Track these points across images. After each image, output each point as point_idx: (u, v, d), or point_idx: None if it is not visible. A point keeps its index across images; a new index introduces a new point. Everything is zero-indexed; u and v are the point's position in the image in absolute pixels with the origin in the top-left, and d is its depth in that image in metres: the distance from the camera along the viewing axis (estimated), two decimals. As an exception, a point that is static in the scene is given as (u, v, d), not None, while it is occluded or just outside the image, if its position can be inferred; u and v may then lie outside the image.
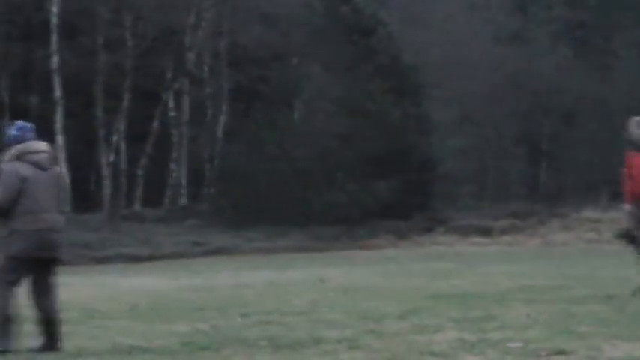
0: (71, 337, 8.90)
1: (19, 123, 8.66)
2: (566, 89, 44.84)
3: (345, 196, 36.75)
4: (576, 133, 45.01)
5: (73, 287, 16.45)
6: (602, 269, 17.56)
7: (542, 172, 47.51)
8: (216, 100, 42.58)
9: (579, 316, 9.50)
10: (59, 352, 8.29)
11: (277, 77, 41.75)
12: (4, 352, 8.10)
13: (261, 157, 37.91)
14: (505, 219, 36.49)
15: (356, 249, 32.89)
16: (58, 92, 37.22)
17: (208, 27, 41.99)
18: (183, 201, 40.78)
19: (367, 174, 36.86)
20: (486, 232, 35.32)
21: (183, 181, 41.02)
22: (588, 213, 35.78)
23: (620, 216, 12.08)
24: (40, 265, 8.37)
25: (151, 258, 30.83)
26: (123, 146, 39.55)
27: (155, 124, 40.14)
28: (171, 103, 41.20)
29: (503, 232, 35.32)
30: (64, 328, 8.61)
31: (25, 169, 8.29)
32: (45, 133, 35.20)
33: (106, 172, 38.79)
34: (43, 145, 8.50)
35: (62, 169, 35.59)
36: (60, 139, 36.80)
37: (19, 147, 8.38)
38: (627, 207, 11.76)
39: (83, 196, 37.94)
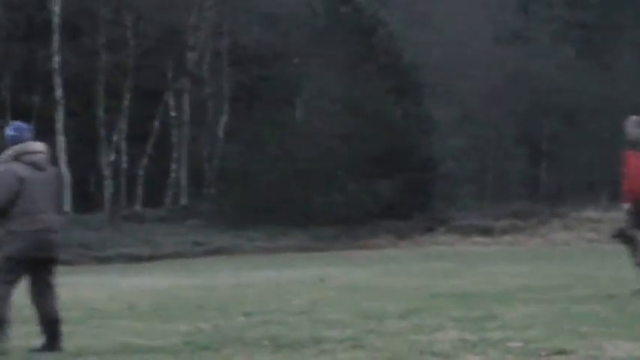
0: (72, 336, 8.90)
1: (16, 123, 8.64)
2: (567, 89, 44.80)
3: (345, 195, 36.77)
4: (577, 133, 44.98)
5: (74, 287, 16.46)
6: (603, 269, 17.55)
7: (543, 172, 47.50)
8: (217, 99, 42.57)
9: (580, 316, 9.51)
10: (60, 352, 8.30)
11: (278, 77, 41.74)
12: None
13: (261, 157, 37.91)
14: (506, 219, 36.49)
15: (356, 249, 32.89)
16: (58, 92, 37.23)
17: (209, 27, 42.00)
18: (183, 201, 40.77)
19: (368, 174, 36.87)
20: (487, 231, 35.32)
21: (184, 181, 41.00)
22: (589, 213, 35.78)
23: (619, 216, 12.08)
24: (37, 266, 8.37)
25: (151, 258, 30.84)
26: (123, 146, 39.56)
27: (156, 124, 40.16)
28: (171, 103, 41.19)
29: (504, 231, 35.32)
30: (65, 328, 8.62)
31: (22, 170, 8.28)
32: (46, 132, 35.41)
33: (106, 171, 38.80)
34: (40, 146, 8.48)
35: (63, 168, 35.75)
36: (61, 139, 36.81)
37: (17, 147, 8.37)
38: (626, 206, 11.77)
39: (84, 195, 37.99)
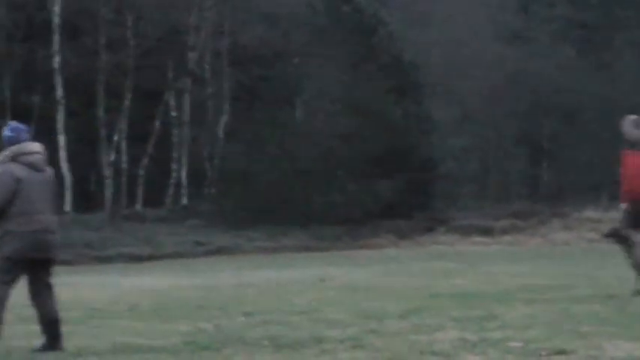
0: (72, 336, 8.91)
1: (13, 124, 8.63)
2: (568, 88, 44.78)
3: (346, 195, 36.77)
4: (577, 133, 44.97)
5: (74, 287, 16.47)
6: (603, 269, 17.55)
7: (543, 172, 47.49)
8: (218, 99, 42.57)
9: (580, 316, 9.51)
10: (61, 352, 8.31)
11: (278, 77, 41.75)
12: None
13: (262, 157, 37.92)
14: (506, 219, 36.50)
15: (357, 249, 32.90)
16: (59, 92, 37.24)
17: (210, 27, 42.01)
18: (184, 201, 40.78)
19: (368, 173, 36.87)
20: (487, 231, 35.32)
21: (185, 181, 41.01)
22: (589, 213, 35.78)
23: (619, 216, 12.09)
24: (35, 266, 8.37)
25: (152, 258, 30.84)
26: (124, 146, 39.56)
27: (156, 124, 40.16)
28: (172, 103, 41.20)
29: (504, 231, 35.32)
30: (65, 328, 8.63)
31: (19, 171, 8.28)
32: (46, 132, 35.41)
33: (107, 171, 38.80)
34: (37, 146, 8.48)
35: (64, 168, 35.76)
36: (61, 139, 36.82)
37: (14, 148, 8.36)
38: (624, 206, 11.79)
39: (84, 195, 37.99)
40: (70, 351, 8.34)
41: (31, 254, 8.28)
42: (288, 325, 9.78)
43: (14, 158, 8.33)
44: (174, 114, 41.10)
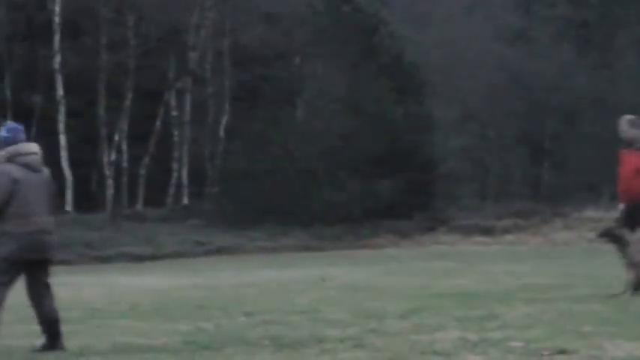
0: (73, 336, 8.91)
1: (10, 124, 8.61)
2: (569, 88, 44.79)
3: (347, 195, 36.78)
4: (578, 132, 44.97)
5: (75, 287, 16.48)
6: (604, 268, 17.54)
7: (545, 172, 47.48)
8: (219, 99, 42.58)
9: (581, 316, 9.50)
10: (62, 352, 8.31)
11: (279, 76, 41.76)
12: None
13: (263, 157, 37.92)
14: (507, 218, 36.50)
15: (358, 248, 32.91)
16: (60, 91, 37.26)
17: (210, 26, 42.01)
18: (185, 200, 40.79)
19: (369, 173, 36.88)
20: (488, 231, 35.32)
21: (185, 181, 41.01)
22: (590, 212, 35.77)
23: (618, 215, 12.11)
24: (32, 267, 8.37)
25: (153, 257, 30.86)
26: (125, 146, 39.56)
27: (157, 124, 40.17)
28: (173, 103, 41.21)
29: (506, 231, 35.32)
30: (67, 328, 8.63)
31: (16, 171, 8.26)
32: (47, 132, 35.42)
33: (108, 171, 38.80)
34: (34, 147, 8.46)
35: (64, 168, 35.77)
36: (62, 139, 36.84)
37: (10, 149, 8.34)
38: (621, 206, 11.80)
39: (85, 195, 37.99)
40: (72, 351, 8.34)
41: (28, 255, 8.27)
42: (289, 324, 9.78)
43: (11, 159, 8.31)
44: (175, 114, 41.11)
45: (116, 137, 39.19)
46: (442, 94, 43.90)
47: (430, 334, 8.50)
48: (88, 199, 37.85)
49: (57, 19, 37.25)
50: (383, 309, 10.97)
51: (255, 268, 23.01)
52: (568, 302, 11.01)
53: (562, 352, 7.16)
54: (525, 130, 46.51)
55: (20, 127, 8.55)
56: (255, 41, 40.98)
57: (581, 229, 34.41)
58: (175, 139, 40.80)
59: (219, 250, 32.67)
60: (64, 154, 36.77)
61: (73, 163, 36.96)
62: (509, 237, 34.58)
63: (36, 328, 8.53)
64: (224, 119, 42.05)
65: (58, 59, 37.19)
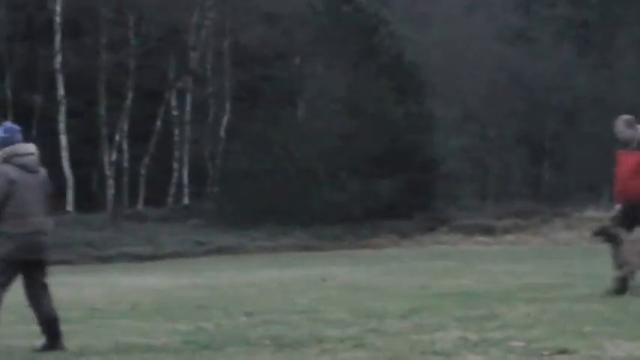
0: (74, 336, 8.91)
1: (7, 125, 8.60)
2: (569, 88, 44.79)
3: (347, 195, 36.78)
4: (578, 132, 44.97)
5: (76, 286, 16.49)
6: (605, 268, 17.53)
7: (545, 172, 47.48)
8: (219, 99, 42.59)
9: (582, 316, 9.50)
10: (62, 352, 8.31)
11: (279, 76, 41.75)
12: None
13: (263, 156, 37.92)
14: (508, 218, 36.50)
15: (358, 248, 32.91)
16: (61, 91, 37.27)
17: (211, 26, 42.02)
18: (185, 200, 40.80)
19: (369, 173, 36.88)
20: (489, 231, 35.32)
21: (186, 181, 41.02)
22: (591, 212, 35.73)
23: (614, 214, 12.12)
24: (29, 268, 8.37)
25: (153, 257, 30.87)
26: (125, 145, 39.57)
27: (158, 123, 40.17)
28: (173, 102, 41.22)
29: (506, 231, 35.32)
30: (67, 328, 8.63)
31: (13, 172, 8.26)
32: (48, 132, 35.41)
33: (108, 171, 38.81)
34: (30, 148, 8.45)
35: (65, 168, 35.76)
36: (63, 139, 36.84)
37: (7, 149, 8.33)
38: (618, 207, 11.81)
39: (86, 195, 38.00)
40: (72, 350, 8.34)
41: (25, 256, 8.28)
42: (289, 324, 9.78)
43: (7, 159, 8.30)
44: (175, 113, 41.12)
45: (117, 137, 39.20)
46: (442, 94, 43.90)
47: (431, 334, 8.50)
48: (88, 199, 37.86)
49: (57, 19, 37.26)
50: (383, 309, 10.97)
51: (256, 268, 23.02)
52: (568, 302, 11.01)
53: (562, 351, 7.16)
54: (525, 130, 46.51)
55: (17, 127, 8.54)
56: (256, 41, 40.98)
57: (581, 229, 34.37)
58: (176, 138, 40.81)
59: (220, 250, 32.67)
60: (64, 154, 36.77)
61: (74, 163, 36.97)
62: (509, 237, 34.58)
63: (36, 328, 8.54)
64: (224, 119, 42.05)
65: (58, 59, 37.20)
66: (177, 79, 41.12)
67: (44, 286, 8.47)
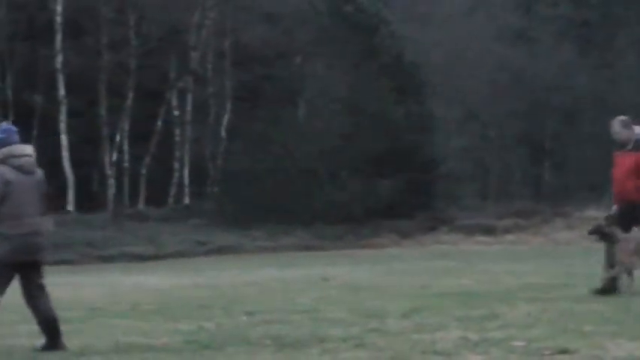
0: (75, 335, 8.92)
1: (4, 125, 8.59)
2: (569, 88, 44.79)
3: (348, 195, 36.79)
4: (579, 132, 44.97)
5: (77, 286, 16.49)
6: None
7: (546, 171, 47.48)
8: (220, 99, 42.58)
9: (582, 315, 9.51)
10: (63, 351, 8.31)
11: (280, 76, 41.74)
12: None
13: (264, 156, 37.93)
14: (508, 218, 36.50)
15: (359, 248, 32.92)
16: (61, 91, 37.27)
17: (212, 26, 42.00)
18: (186, 200, 40.79)
19: (370, 173, 36.89)
20: (490, 231, 35.32)
21: (187, 180, 41.01)
22: (591, 212, 35.69)
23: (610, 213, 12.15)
24: (25, 269, 8.37)
25: (154, 257, 30.88)
26: (126, 145, 39.56)
27: (158, 123, 40.16)
28: (174, 102, 41.21)
29: (507, 231, 35.33)
30: (68, 327, 8.64)
31: (9, 173, 8.25)
32: (48, 132, 35.40)
33: (109, 171, 38.81)
34: (27, 149, 8.44)
35: (66, 168, 35.76)
36: (63, 138, 36.84)
37: (4, 150, 8.32)
38: (615, 207, 11.84)
39: (87, 195, 38.00)
40: (73, 350, 8.35)
41: (21, 257, 8.27)
42: (290, 324, 9.79)
43: (4, 161, 8.29)
44: (176, 113, 41.12)
45: (117, 137, 39.20)
46: (443, 93, 43.89)
47: (431, 333, 8.51)
48: (89, 199, 37.85)
49: (58, 19, 37.27)
50: (384, 308, 10.97)
51: (257, 268, 23.02)
52: (569, 302, 11.02)
53: (563, 351, 7.17)
54: (526, 130, 46.51)
55: (14, 128, 8.52)
56: (257, 41, 40.96)
57: (582, 228, 34.27)
58: (177, 138, 40.81)
59: (221, 250, 32.68)
60: (65, 154, 36.77)
61: (75, 163, 36.96)
62: (510, 237, 34.59)
63: (37, 328, 8.54)
64: (225, 119, 42.04)
65: (59, 59, 37.20)
66: (178, 78, 41.12)
67: (41, 287, 8.47)
